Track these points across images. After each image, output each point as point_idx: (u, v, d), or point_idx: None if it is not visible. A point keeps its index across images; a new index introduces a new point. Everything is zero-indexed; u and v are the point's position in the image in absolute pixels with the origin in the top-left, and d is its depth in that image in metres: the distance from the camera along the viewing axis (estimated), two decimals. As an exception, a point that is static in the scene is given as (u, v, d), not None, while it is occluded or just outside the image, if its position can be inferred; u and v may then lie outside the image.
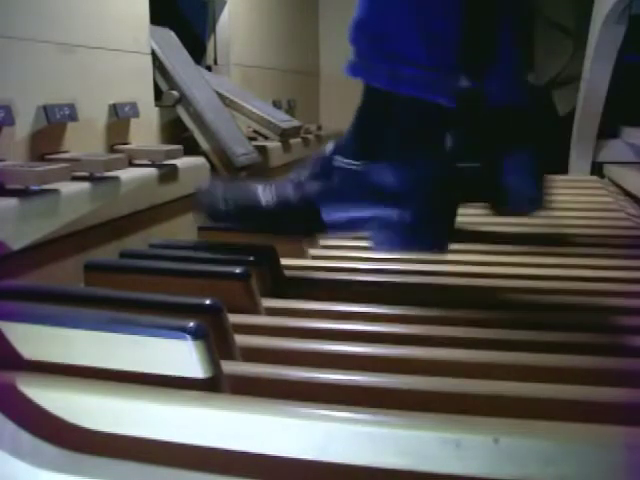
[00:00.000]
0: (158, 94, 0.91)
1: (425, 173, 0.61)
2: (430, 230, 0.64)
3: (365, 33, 0.62)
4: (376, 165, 0.62)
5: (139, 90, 0.87)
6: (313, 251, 0.83)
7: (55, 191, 0.60)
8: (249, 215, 0.69)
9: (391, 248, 0.66)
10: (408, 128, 0.61)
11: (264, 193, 0.68)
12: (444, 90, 0.59)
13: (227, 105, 1.05)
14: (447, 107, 0.59)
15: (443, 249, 0.66)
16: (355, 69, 0.63)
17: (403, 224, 0.62)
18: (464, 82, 0.59)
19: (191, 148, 0.90)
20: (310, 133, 1.44)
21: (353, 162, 0.63)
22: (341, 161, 0.64)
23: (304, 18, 1.76)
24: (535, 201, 0.71)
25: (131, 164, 0.77)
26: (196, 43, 1.24)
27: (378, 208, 0.63)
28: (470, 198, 0.72)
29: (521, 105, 0.64)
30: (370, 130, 0.63)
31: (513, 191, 0.67)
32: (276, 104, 1.40)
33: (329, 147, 0.66)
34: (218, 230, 0.87)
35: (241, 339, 0.51)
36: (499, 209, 0.77)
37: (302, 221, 0.67)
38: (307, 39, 1.77)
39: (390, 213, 0.62)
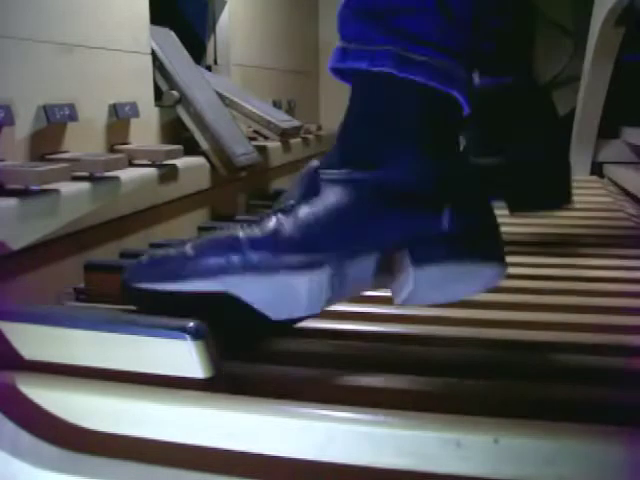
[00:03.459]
0: (158, 94, 0.91)
1: (446, 172, 0.49)
2: (479, 240, 0.50)
3: (364, 9, 0.49)
4: (387, 170, 0.48)
5: (139, 90, 0.87)
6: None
7: (55, 191, 0.60)
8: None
9: (438, 266, 0.48)
10: (415, 124, 0.49)
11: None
12: (462, 84, 0.49)
13: (227, 105, 1.05)
14: (460, 104, 0.49)
15: (503, 264, 0.51)
16: (347, 57, 0.50)
17: (444, 234, 0.48)
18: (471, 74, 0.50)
19: (191, 148, 0.90)
20: (310, 133, 1.44)
21: (356, 172, 0.49)
22: (335, 174, 0.49)
23: (304, 18, 1.76)
24: (559, 196, 0.65)
25: (131, 164, 0.77)
26: (196, 43, 1.24)
27: (408, 221, 0.48)
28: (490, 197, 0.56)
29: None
30: (372, 130, 0.50)
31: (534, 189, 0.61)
32: (276, 104, 1.40)
33: (313, 164, 0.51)
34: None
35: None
36: (519, 207, 0.72)
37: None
38: (307, 39, 1.77)
39: (425, 224, 0.48)
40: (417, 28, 0.48)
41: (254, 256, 0.47)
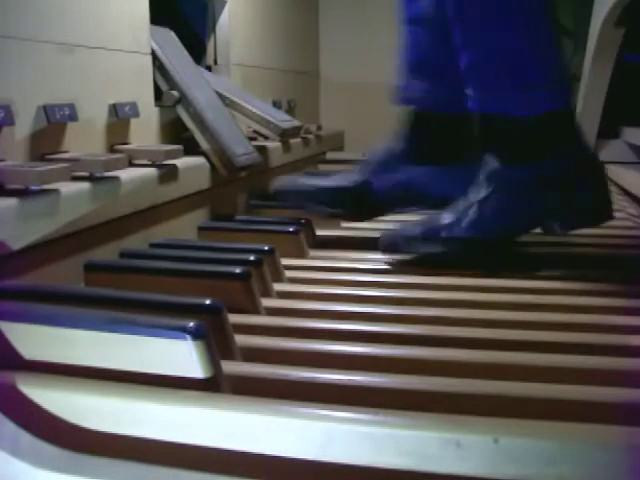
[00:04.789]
0: (158, 94, 0.91)
1: (575, 161, 0.73)
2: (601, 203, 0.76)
3: (488, 70, 0.73)
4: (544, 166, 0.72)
5: (139, 90, 0.87)
6: (313, 251, 0.83)
7: (55, 191, 0.60)
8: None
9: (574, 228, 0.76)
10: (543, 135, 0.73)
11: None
12: (562, 96, 0.74)
13: (227, 105, 1.05)
14: (568, 110, 0.74)
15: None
16: (487, 103, 0.74)
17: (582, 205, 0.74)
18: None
19: (191, 148, 0.90)
20: (310, 133, 1.44)
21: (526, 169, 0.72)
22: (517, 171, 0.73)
23: (304, 18, 1.76)
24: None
25: (131, 164, 0.77)
26: (196, 43, 1.24)
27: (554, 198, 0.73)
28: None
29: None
30: (518, 146, 0.73)
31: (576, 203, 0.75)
32: (276, 104, 1.40)
33: (492, 166, 0.75)
34: (218, 230, 0.87)
35: (241, 339, 0.51)
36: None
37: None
38: (307, 39, 1.77)
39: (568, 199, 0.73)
40: (531, 78, 0.72)
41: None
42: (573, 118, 0.75)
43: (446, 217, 0.75)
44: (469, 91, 0.75)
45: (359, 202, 0.91)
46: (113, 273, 0.63)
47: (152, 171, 0.78)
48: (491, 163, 0.74)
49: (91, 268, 0.64)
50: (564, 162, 0.72)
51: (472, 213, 0.73)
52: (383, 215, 0.94)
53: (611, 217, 0.77)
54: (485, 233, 0.73)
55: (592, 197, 0.74)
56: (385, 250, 0.78)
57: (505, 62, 0.72)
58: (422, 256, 0.76)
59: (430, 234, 0.75)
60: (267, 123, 1.12)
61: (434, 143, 0.90)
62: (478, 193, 0.74)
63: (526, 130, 0.72)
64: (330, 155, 1.59)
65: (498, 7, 0.70)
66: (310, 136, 1.43)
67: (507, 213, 0.73)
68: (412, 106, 0.91)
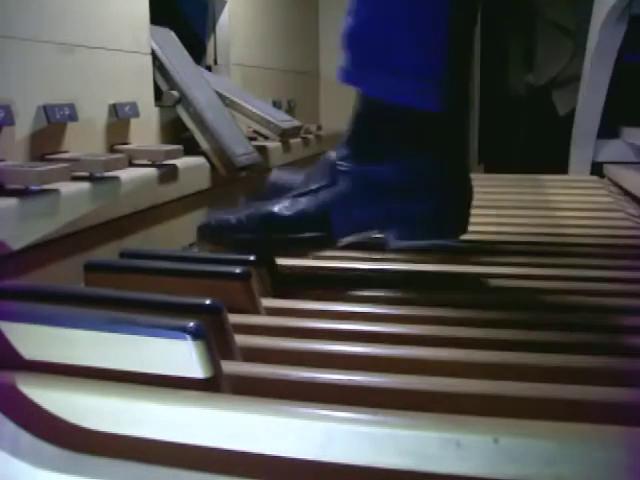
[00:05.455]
0: (158, 94, 0.91)
1: (424, 169, 0.66)
2: (449, 217, 0.68)
3: (361, 43, 0.66)
4: (380, 165, 0.66)
5: (139, 90, 0.87)
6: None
7: (55, 191, 0.60)
8: (264, 228, 0.70)
9: (412, 240, 0.69)
10: (401, 132, 0.66)
11: (278, 206, 0.69)
12: (434, 98, 0.64)
13: (227, 105, 1.04)
14: (436, 113, 0.64)
15: (462, 233, 0.70)
16: (350, 77, 0.67)
17: (422, 215, 0.66)
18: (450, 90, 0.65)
19: (191, 148, 0.90)
20: (310, 133, 1.44)
21: (357, 165, 0.67)
22: (346, 166, 0.67)
23: (304, 18, 1.76)
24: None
25: (131, 164, 0.77)
26: (196, 43, 1.24)
27: (392, 204, 0.66)
28: None
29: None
30: (368, 134, 0.67)
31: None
32: (276, 104, 1.40)
33: (331, 155, 0.69)
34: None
35: (241, 339, 0.51)
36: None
37: (318, 230, 0.68)
38: (307, 39, 1.77)
39: (407, 207, 0.66)
40: (401, 63, 0.65)
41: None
42: (445, 125, 0.66)
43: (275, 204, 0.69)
44: (340, 60, 0.68)
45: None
46: (113, 273, 0.63)
47: (152, 171, 0.78)
48: (338, 151, 0.68)
49: (91, 268, 0.64)
50: (415, 167, 0.65)
51: (304, 201, 0.67)
52: None
53: (452, 235, 0.70)
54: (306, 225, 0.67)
55: (432, 207, 0.67)
56: (203, 238, 0.71)
57: (385, 38, 0.65)
58: (239, 243, 0.69)
59: (250, 220, 0.68)
60: (267, 123, 1.12)
61: None
62: (314, 182, 0.68)
63: (385, 119, 0.66)
64: (330, 155, 1.59)
65: None
66: (310, 136, 1.43)
67: (338, 209, 0.67)
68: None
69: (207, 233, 0.71)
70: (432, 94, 0.64)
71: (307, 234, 0.68)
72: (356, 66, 0.67)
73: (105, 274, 0.63)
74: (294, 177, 0.89)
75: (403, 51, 0.64)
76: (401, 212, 0.67)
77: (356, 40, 0.67)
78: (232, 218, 0.69)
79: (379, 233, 0.70)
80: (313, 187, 0.68)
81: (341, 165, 0.67)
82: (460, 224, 0.70)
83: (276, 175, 0.91)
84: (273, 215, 0.68)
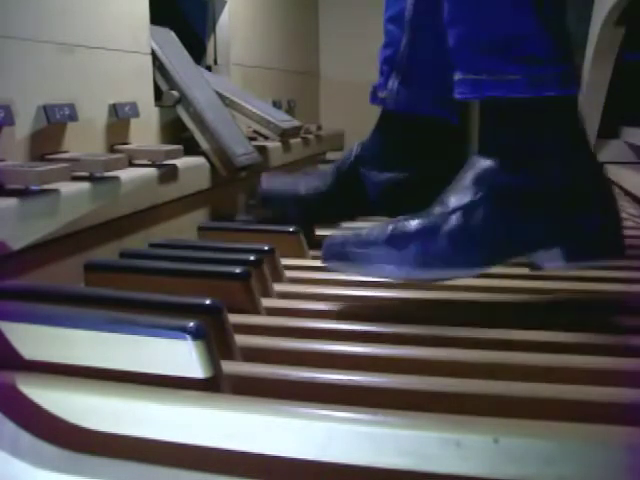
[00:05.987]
0: (158, 94, 0.91)
1: (587, 172, 0.58)
2: (616, 229, 0.59)
3: (481, 45, 0.58)
4: (538, 176, 0.57)
5: (139, 90, 0.87)
6: (313, 251, 0.83)
7: (55, 191, 0.60)
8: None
9: (580, 260, 0.59)
10: (555, 129, 0.58)
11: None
12: (575, 80, 0.58)
13: (227, 105, 1.04)
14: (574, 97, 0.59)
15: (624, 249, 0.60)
16: (482, 88, 0.58)
17: (592, 229, 0.58)
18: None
19: (191, 148, 0.90)
20: (310, 133, 1.44)
21: (512, 178, 0.57)
22: (498, 181, 0.58)
23: (304, 18, 1.76)
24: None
25: (131, 164, 0.77)
26: (196, 43, 1.24)
27: (556, 218, 0.57)
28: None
29: None
30: (517, 144, 0.58)
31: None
32: (276, 104, 1.40)
33: (480, 168, 0.59)
34: (218, 230, 0.87)
35: (241, 339, 0.51)
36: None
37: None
38: (307, 39, 1.77)
39: (573, 221, 0.57)
40: (537, 50, 0.56)
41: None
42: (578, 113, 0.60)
43: (415, 223, 0.58)
44: (457, 76, 0.60)
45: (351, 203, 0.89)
46: (113, 273, 0.63)
47: (152, 171, 0.77)
48: (481, 163, 0.58)
49: (91, 268, 0.64)
50: (571, 172, 0.57)
51: (454, 219, 0.57)
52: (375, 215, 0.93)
53: (622, 252, 0.60)
54: (468, 247, 0.57)
55: (600, 220, 0.58)
56: (329, 259, 0.61)
57: (501, 31, 0.57)
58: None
59: (396, 242, 0.58)
60: (267, 123, 1.12)
61: (402, 147, 0.88)
62: (461, 198, 0.58)
63: (531, 118, 0.57)
64: (330, 155, 1.59)
65: None
66: (310, 136, 1.43)
67: (497, 228, 0.57)
68: (384, 106, 0.90)
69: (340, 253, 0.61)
70: (571, 75, 0.57)
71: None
72: (484, 71, 0.58)
73: (105, 274, 0.63)
74: (286, 183, 0.90)
75: (537, 36, 0.56)
76: (567, 227, 0.57)
77: (472, 43, 0.58)
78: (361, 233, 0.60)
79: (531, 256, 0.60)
80: (458, 204, 0.58)
81: (492, 180, 0.57)
82: (621, 237, 0.60)
83: (267, 183, 0.91)
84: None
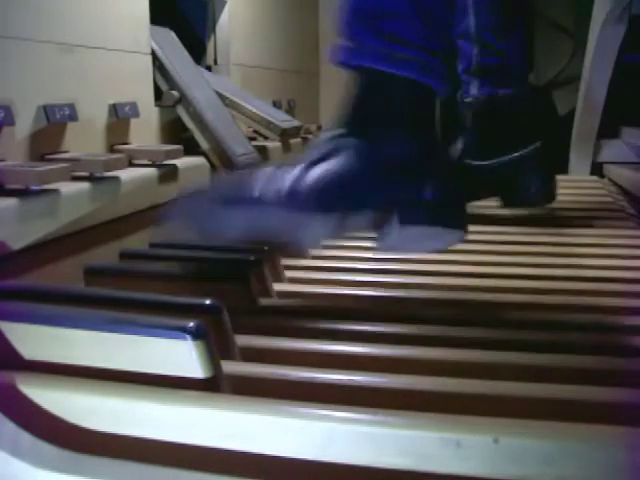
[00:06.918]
0: (158, 94, 0.91)
1: (424, 150, 0.61)
2: (451, 210, 0.63)
3: (359, 14, 0.61)
4: (379, 143, 0.60)
5: (139, 90, 0.87)
6: (313, 251, 0.83)
7: (55, 191, 0.60)
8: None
9: (413, 229, 0.62)
10: (401, 109, 0.61)
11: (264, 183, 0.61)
12: (438, 74, 0.61)
13: (227, 105, 1.04)
14: (439, 91, 0.61)
15: (464, 230, 0.64)
16: (346, 53, 0.62)
17: (425, 201, 0.60)
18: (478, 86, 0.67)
19: (191, 148, 0.90)
20: (310, 133, 1.44)
21: (360, 142, 0.60)
22: (346, 143, 0.61)
23: (304, 18, 1.76)
24: (543, 196, 0.83)
25: (131, 164, 0.77)
26: (196, 43, 1.24)
27: (394, 185, 0.60)
28: (482, 194, 0.89)
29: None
30: (367, 111, 0.62)
31: (523, 187, 0.78)
32: (276, 104, 1.40)
33: (327, 134, 0.63)
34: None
35: (241, 339, 0.51)
36: (508, 203, 0.87)
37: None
38: (307, 39, 1.77)
39: (409, 191, 0.60)
40: (400, 32, 0.60)
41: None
42: (433, 107, 0.63)
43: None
44: (340, 41, 0.63)
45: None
46: (113, 277, 0.63)
47: (152, 171, 0.78)
48: (333, 131, 0.63)
49: (91, 272, 0.64)
50: (414, 146, 0.61)
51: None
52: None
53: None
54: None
55: (433, 191, 0.62)
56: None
57: (388, 7, 0.61)
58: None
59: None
60: (267, 123, 1.12)
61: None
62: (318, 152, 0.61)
63: (384, 90, 0.62)
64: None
65: None
66: (310, 136, 1.43)
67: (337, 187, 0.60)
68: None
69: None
70: (437, 69, 0.61)
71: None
72: (353, 39, 0.62)
73: (105, 278, 0.63)
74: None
75: (407, 18, 0.60)
76: (406, 194, 0.61)
77: (355, 10, 0.62)
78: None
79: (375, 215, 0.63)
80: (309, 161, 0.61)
81: (339, 142, 0.61)
82: (463, 213, 0.65)
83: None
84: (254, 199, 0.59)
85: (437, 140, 0.64)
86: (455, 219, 0.63)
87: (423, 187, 0.60)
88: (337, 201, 0.59)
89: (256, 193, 0.59)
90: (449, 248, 0.70)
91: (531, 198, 0.94)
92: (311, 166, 0.60)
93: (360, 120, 0.62)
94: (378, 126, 0.61)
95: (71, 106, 0.71)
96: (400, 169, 0.60)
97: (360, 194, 0.60)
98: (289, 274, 0.72)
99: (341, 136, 0.61)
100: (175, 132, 0.95)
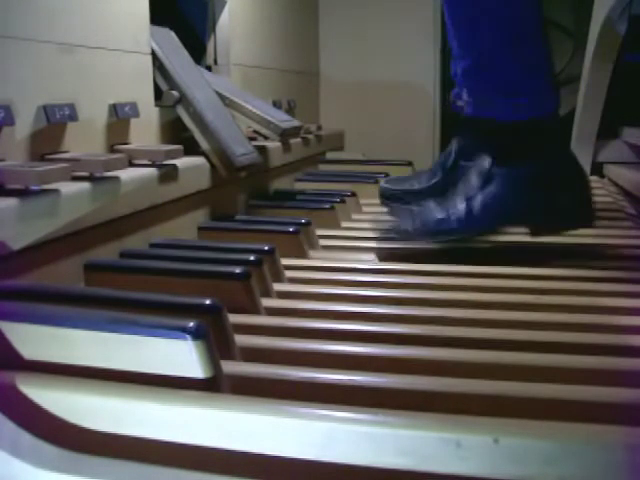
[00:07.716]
0: (158, 94, 0.91)
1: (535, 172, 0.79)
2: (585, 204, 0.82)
3: (482, 79, 0.81)
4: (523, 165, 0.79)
5: (139, 90, 0.87)
6: (313, 252, 0.83)
7: (55, 191, 0.60)
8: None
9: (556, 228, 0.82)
10: (530, 140, 0.79)
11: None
12: (548, 105, 0.80)
13: (227, 105, 1.04)
14: (550, 112, 0.80)
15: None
16: (478, 108, 0.83)
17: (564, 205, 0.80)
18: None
19: (191, 148, 0.90)
20: (310, 133, 1.44)
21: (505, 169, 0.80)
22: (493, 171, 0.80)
23: (304, 18, 1.76)
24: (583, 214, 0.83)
25: (131, 164, 0.77)
26: (196, 43, 1.24)
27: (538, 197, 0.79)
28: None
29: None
30: (503, 144, 0.80)
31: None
32: (276, 104, 1.40)
33: (481, 164, 0.81)
34: (218, 230, 0.87)
35: (241, 339, 0.51)
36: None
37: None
38: (307, 39, 1.77)
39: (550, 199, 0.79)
40: (519, 87, 0.80)
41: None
42: (558, 122, 0.83)
43: (437, 212, 0.82)
44: (464, 96, 0.84)
45: None
46: (113, 273, 0.63)
47: (152, 171, 0.77)
48: (482, 162, 0.81)
49: (91, 268, 0.64)
50: (548, 163, 0.79)
51: (462, 209, 0.80)
52: None
53: (591, 221, 0.82)
54: (472, 228, 0.80)
55: (574, 198, 0.80)
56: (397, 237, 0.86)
57: (494, 73, 0.80)
58: (413, 249, 0.82)
59: (422, 228, 0.82)
60: (267, 123, 1.12)
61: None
62: (468, 190, 0.80)
63: (512, 133, 0.80)
64: (330, 155, 1.59)
65: (490, 24, 0.79)
66: (310, 136, 1.43)
67: (494, 210, 0.79)
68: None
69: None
70: (543, 101, 0.80)
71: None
72: (480, 96, 0.82)
73: (105, 274, 0.63)
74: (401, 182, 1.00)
75: (523, 79, 0.79)
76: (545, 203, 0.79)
77: (477, 76, 0.82)
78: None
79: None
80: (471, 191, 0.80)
81: (488, 171, 0.80)
82: (593, 210, 0.82)
83: (385, 182, 1.03)
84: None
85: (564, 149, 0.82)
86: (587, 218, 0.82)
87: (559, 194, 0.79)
88: (502, 219, 0.80)
89: (444, 225, 0.81)
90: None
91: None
92: (471, 199, 0.80)
93: (499, 153, 0.80)
94: (516, 156, 0.79)
95: (71, 106, 0.71)
96: (540, 184, 0.78)
97: (517, 210, 0.79)
98: (289, 274, 0.72)
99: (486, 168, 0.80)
100: (175, 132, 0.95)
